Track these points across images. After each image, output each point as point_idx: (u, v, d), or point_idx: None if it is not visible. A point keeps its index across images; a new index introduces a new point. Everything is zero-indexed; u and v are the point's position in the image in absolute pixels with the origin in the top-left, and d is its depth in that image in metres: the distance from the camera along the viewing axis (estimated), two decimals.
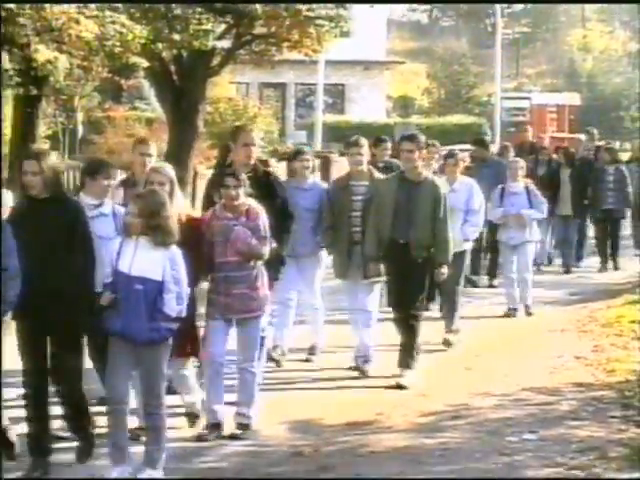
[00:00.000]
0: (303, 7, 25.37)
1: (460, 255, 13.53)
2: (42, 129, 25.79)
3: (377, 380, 11.79)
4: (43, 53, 20.10)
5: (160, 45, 23.41)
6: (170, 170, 9.67)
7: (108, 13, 20.02)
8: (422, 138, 12.13)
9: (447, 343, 13.64)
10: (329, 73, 41.19)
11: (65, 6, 19.28)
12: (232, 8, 23.89)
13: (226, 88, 37.83)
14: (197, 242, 9.37)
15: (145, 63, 24.91)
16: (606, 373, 11.89)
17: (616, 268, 20.77)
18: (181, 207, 9.49)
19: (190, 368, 9.81)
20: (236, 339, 9.72)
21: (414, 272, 11.62)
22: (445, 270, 11.81)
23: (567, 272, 20.49)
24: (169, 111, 28.24)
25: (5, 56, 19.88)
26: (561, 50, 73.66)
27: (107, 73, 28.22)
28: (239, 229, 9.41)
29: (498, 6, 53.30)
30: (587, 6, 75.20)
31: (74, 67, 22.84)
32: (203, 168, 29.07)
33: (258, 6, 23.56)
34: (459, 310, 14.15)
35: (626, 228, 22.48)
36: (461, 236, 13.62)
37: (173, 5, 23.06)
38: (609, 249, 20.93)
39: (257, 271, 9.63)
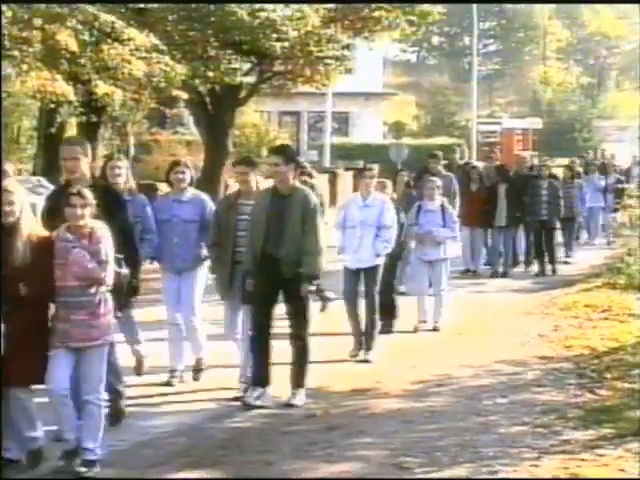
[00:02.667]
0: (314, 49, 25.38)
1: (373, 270, 11.69)
2: (101, 150, 25.79)
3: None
4: (102, 88, 20.12)
5: (197, 81, 23.44)
6: (19, 189, 7.62)
7: (155, 54, 20.03)
8: (292, 151, 10.23)
9: (366, 361, 11.49)
10: (336, 103, 41.19)
11: (119, 49, 19.29)
12: (256, 50, 23.89)
13: (251, 116, 37.82)
14: (47, 263, 7.44)
15: (185, 95, 24.94)
16: (564, 348, 11.86)
17: (554, 271, 19.13)
18: (31, 227, 7.51)
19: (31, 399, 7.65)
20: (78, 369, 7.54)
21: (290, 290, 9.39)
22: (308, 286, 9.46)
23: (494, 276, 18.67)
24: (204, 135, 28.31)
25: (70, 89, 19.87)
26: (526, 83, 73.54)
27: (154, 104, 28.17)
28: (77, 252, 7.34)
29: (474, 47, 53.25)
30: (547, 47, 75.07)
31: (127, 99, 22.90)
32: (232, 181, 29.06)
33: (278, 48, 23.56)
34: (378, 328, 11.89)
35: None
36: (372, 251, 11.66)
37: (208, 48, 23.08)
38: (546, 256, 19.29)
39: (100, 297, 7.48)
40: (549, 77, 72.62)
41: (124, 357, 9.36)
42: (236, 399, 9.56)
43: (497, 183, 18.96)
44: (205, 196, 10.56)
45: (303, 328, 9.59)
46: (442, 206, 14.01)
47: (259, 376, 9.50)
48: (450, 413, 9.12)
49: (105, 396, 7.70)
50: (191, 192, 10.47)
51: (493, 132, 50.25)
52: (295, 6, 22.38)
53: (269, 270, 9.41)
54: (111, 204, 8.29)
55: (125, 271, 8.01)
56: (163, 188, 25.11)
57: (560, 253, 20.71)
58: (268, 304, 9.53)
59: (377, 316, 11.81)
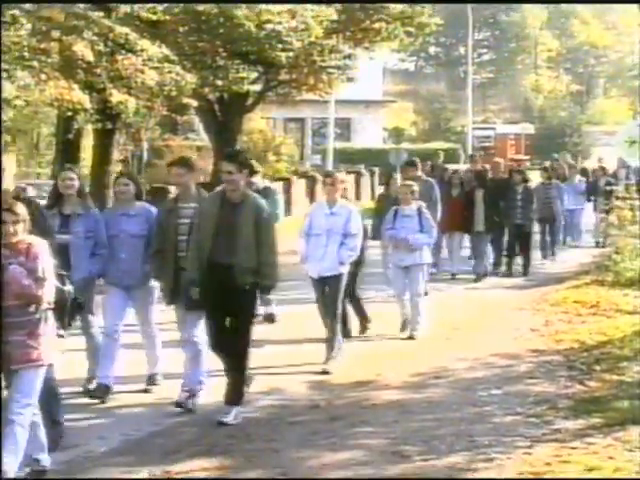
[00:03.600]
0: (318, 59, 25.42)
1: (337, 278, 10.76)
2: (116, 155, 25.83)
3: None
4: (116, 96, 20.16)
5: (206, 89, 23.49)
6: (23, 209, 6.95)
7: (166, 64, 20.07)
8: (245, 157, 9.27)
9: (325, 372, 10.45)
10: (338, 110, 41.12)
11: (133, 59, 19.32)
12: (262, 59, 23.92)
13: (258, 122, 37.81)
14: None
15: (195, 103, 24.96)
16: (555, 342, 11.84)
17: (525, 274, 18.29)
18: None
19: None
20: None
21: (237, 300, 8.51)
22: (269, 296, 8.86)
23: (477, 280, 17.56)
24: (214, 140, 28.38)
25: (87, 97, 19.90)
26: (518, 91, 73.46)
27: (166, 111, 28.22)
28: (14, 269, 6.68)
29: (469, 56, 53.28)
30: (538, 56, 75.05)
31: (140, 107, 22.91)
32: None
33: (283, 58, 23.59)
34: (339, 336, 10.90)
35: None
36: (337, 260, 10.74)
37: (217, 58, 23.11)
38: (522, 259, 18.52)
39: (40, 316, 6.81)
40: (540, 85, 72.56)
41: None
42: (178, 405, 8.91)
43: (474, 188, 17.98)
44: (153, 208, 9.66)
45: (245, 340, 8.65)
46: (419, 210, 12.85)
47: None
48: (447, 404, 9.12)
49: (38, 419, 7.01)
50: (138, 205, 9.66)
51: (487, 137, 50.34)
52: (300, 18, 22.38)
53: (218, 280, 8.52)
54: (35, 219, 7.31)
55: (68, 288, 7.27)
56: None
57: (538, 254, 20.16)
58: (220, 316, 8.68)
59: (338, 325, 10.82)
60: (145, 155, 36.28)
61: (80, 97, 19.70)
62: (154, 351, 9.81)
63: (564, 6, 74.59)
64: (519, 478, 6.76)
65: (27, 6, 17.35)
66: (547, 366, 10.52)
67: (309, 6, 22.55)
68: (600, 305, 14.15)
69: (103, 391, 9.29)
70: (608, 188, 23.17)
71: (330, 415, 8.76)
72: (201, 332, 9.00)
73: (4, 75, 18.70)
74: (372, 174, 37.92)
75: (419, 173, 16.27)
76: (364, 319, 12.63)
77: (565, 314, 13.77)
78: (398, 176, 16.29)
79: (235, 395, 8.70)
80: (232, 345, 8.65)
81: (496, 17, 74.85)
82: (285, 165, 36.74)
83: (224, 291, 8.50)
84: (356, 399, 9.36)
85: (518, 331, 12.65)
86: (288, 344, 11.84)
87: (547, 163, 26.18)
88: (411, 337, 12.44)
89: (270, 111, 37.78)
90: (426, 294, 13.54)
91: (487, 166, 20.32)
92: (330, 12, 23.48)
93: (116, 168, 26.27)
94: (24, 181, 26.51)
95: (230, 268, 8.48)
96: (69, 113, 21.48)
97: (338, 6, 24.02)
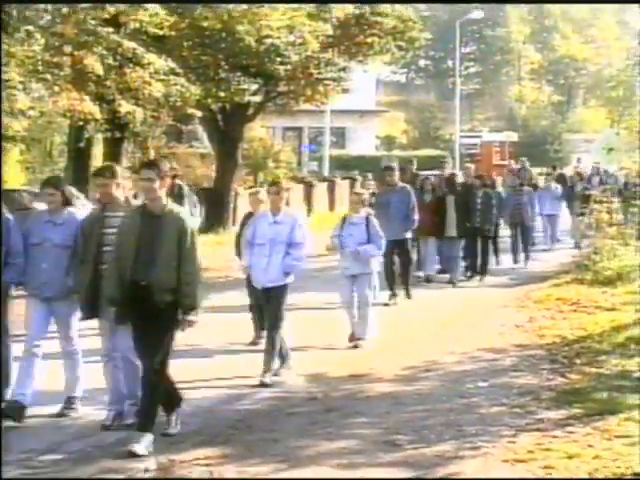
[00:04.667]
0: (314, 72, 25.41)
1: (280, 289, 9.90)
2: (124, 162, 25.79)
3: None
4: (125, 107, 20.13)
5: (210, 100, 23.46)
6: None
7: (172, 77, 20.05)
8: (166, 166, 7.84)
9: (264, 385, 9.57)
10: (333, 119, 41.16)
11: (140, 72, 19.30)
12: (262, 72, 23.92)
13: (258, 131, 37.75)
14: None
15: (199, 113, 24.94)
16: (538, 337, 11.86)
17: (481, 276, 17.61)
18: None
19: None
20: None
21: (157, 320, 7.46)
22: (194, 317, 7.55)
23: (453, 285, 16.85)
24: (216, 148, 28.35)
25: (97, 108, 19.87)
26: (503, 101, 73.48)
27: (171, 121, 28.22)
28: None
29: (457, 69, 53.30)
30: (521, 69, 75.08)
31: (147, 117, 22.87)
32: (241, 189, 29.08)
33: (281, 71, 23.58)
34: (278, 348, 9.91)
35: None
36: (281, 270, 9.87)
37: (219, 70, 23.10)
38: (480, 260, 17.85)
39: None
40: (524, 95, 72.56)
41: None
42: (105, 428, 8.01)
43: (445, 194, 17.34)
44: (81, 217, 8.57)
45: (161, 362, 7.56)
46: (367, 219, 12.01)
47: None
48: (436, 395, 9.12)
49: None
50: (66, 213, 8.54)
51: (474, 145, 50.28)
52: (297, 33, 22.37)
53: (137, 299, 7.51)
54: None
55: None
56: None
57: (503, 258, 19.64)
58: (140, 337, 7.62)
59: (279, 337, 9.88)
60: None
61: (91, 108, 19.67)
62: (74, 372, 8.59)
63: (546, 21, 74.72)
64: (523, 478, 6.72)
65: (41, 22, 17.33)
66: (531, 360, 10.53)
67: (307, 21, 22.53)
68: (580, 302, 14.16)
69: (17, 410, 8.17)
70: (586, 192, 23.09)
71: (326, 406, 8.75)
72: (126, 348, 7.97)
73: (19, 87, 18.68)
74: (365, 179, 37.91)
75: (396, 179, 15.50)
76: None
77: (547, 311, 13.79)
78: (372, 183, 15.71)
79: (148, 417, 7.55)
80: (147, 367, 7.58)
81: (482, 32, 74.84)
82: (284, 171, 36.72)
83: (143, 311, 7.50)
84: (351, 391, 9.35)
85: (503, 327, 12.65)
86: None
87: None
88: (357, 346, 11.48)
89: (269, 120, 37.73)
90: (392, 301, 13.34)
91: (457, 171, 20.05)
92: (326, 27, 23.46)
93: (125, 174, 26.26)
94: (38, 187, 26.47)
95: (148, 286, 7.47)
96: (80, 123, 21.43)
97: (334, 22, 24.00)
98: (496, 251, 19.45)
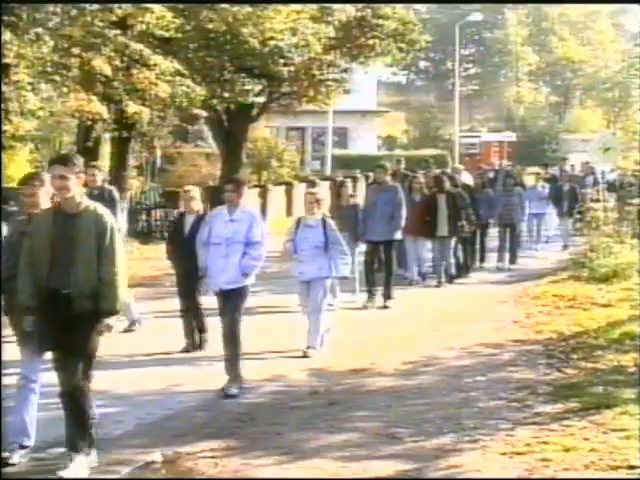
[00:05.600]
0: (317, 73, 25.41)
1: (239, 292, 9.12)
2: (131, 161, 25.82)
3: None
4: (132, 107, 20.14)
5: (215, 101, 23.48)
6: None
7: (178, 78, 20.06)
8: (80, 161, 6.79)
9: (229, 396, 8.86)
10: (336, 119, 41.09)
11: (147, 73, 19.31)
12: (266, 73, 23.92)
13: (262, 131, 37.74)
14: None
15: (204, 113, 24.99)
16: (535, 333, 11.85)
17: (448, 281, 16.46)
18: None
19: None
20: None
21: (76, 330, 6.53)
22: (112, 321, 6.66)
23: (439, 285, 16.15)
24: (221, 148, 28.38)
25: (104, 109, 19.89)
26: (501, 102, 73.35)
27: (177, 121, 28.24)
28: None
29: (456, 70, 53.25)
30: (519, 70, 74.98)
31: (154, 117, 22.89)
32: (246, 188, 29.07)
33: (285, 72, 23.59)
34: (241, 355, 9.20)
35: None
36: (239, 271, 9.08)
37: (224, 72, 23.11)
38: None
39: None
40: (522, 96, 72.43)
41: None
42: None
43: (435, 194, 16.53)
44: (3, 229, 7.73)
45: (84, 377, 6.72)
46: (323, 220, 10.95)
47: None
48: (436, 389, 9.12)
49: None
50: None
51: (473, 144, 50.28)
52: (300, 35, 22.36)
53: (57, 308, 6.57)
54: None
55: None
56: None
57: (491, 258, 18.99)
58: (62, 353, 6.69)
59: (239, 342, 9.15)
60: (158, 161, 36.22)
61: (99, 108, 19.68)
62: None
63: (544, 24, 74.52)
64: (525, 478, 6.70)
65: (50, 24, 17.33)
66: (528, 355, 10.53)
67: (309, 24, 22.53)
68: (577, 299, 14.15)
69: None
70: (577, 192, 22.56)
71: (328, 400, 8.75)
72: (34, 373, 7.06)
73: (28, 88, 18.68)
74: (367, 179, 37.90)
75: (387, 178, 14.78)
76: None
77: (545, 307, 13.78)
78: (349, 184, 14.76)
79: (78, 438, 6.78)
80: (70, 384, 6.71)
81: (481, 34, 74.72)
82: (287, 170, 36.72)
83: (63, 321, 6.56)
84: (352, 385, 9.35)
85: (501, 322, 12.65)
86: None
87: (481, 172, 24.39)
88: (305, 355, 10.57)
89: (273, 121, 37.74)
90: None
91: (447, 170, 19.24)
92: (328, 30, 23.46)
93: (132, 173, 26.32)
94: None
95: (67, 294, 6.56)
96: (89, 123, 21.46)
97: (336, 24, 24.00)
98: (482, 251, 18.98)
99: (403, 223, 14.34)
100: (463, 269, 17.49)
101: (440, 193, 16.56)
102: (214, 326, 9.92)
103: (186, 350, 10.85)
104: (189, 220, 10.96)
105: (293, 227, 11.13)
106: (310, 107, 29.75)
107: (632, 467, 6.61)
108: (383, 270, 14.33)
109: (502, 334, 11.84)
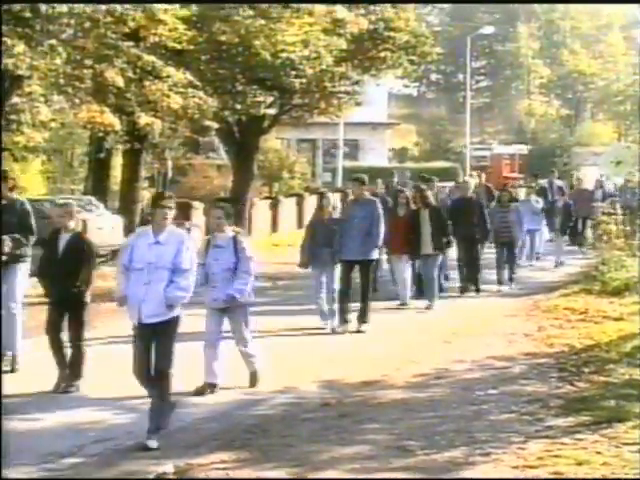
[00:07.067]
0: (328, 85, 25.47)
1: (165, 326, 7.87)
2: (143, 173, 25.89)
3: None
4: (144, 119, 20.22)
5: (226, 112, 23.54)
6: None
7: (190, 90, 20.12)
8: None
9: (147, 448, 7.56)
10: (347, 131, 41.17)
11: (159, 85, 19.38)
12: (277, 85, 23.98)
13: (273, 142, 37.85)
14: None
15: (216, 125, 25.03)
16: (547, 346, 11.82)
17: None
18: None
19: None
20: None
21: None
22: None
23: (428, 308, 15.22)
24: (233, 159, 28.47)
25: (117, 120, 19.97)
26: (512, 115, 73.28)
27: (189, 132, 28.32)
28: None
29: (467, 83, 53.32)
30: (531, 83, 74.99)
31: (166, 128, 22.98)
32: (257, 200, 29.20)
33: (296, 84, 23.64)
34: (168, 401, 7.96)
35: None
36: (164, 302, 7.83)
37: (236, 84, 23.18)
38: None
39: None
40: (533, 109, 72.37)
41: None
42: None
43: (419, 209, 15.51)
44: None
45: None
46: (234, 239, 9.68)
47: None
48: (447, 402, 9.10)
49: None
50: None
51: (484, 157, 50.23)
52: (312, 47, 22.42)
53: None
54: None
55: None
56: (197, 206, 25.23)
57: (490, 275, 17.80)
58: None
59: (167, 385, 7.91)
60: (170, 173, 36.33)
61: (111, 120, 19.77)
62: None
63: (555, 37, 74.55)
64: (524, 479, 6.70)
65: (63, 36, 17.41)
66: (539, 368, 10.50)
67: (321, 36, 22.58)
68: (588, 312, 14.11)
69: None
70: (572, 208, 21.75)
71: (339, 412, 8.74)
72: None
73: (41, 99, 18.78)
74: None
75: (365, 191, 13.71)
76: None
77: (556, 320, 13.74)
78: (332, 196, 13.89)
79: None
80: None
81: (492, 47, 74.76)
82: (298, 182, 36.80)
83: None
84: (363, 398, 9.34)
85: (513, 336, 12.62)
86: None
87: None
88: (252, 384, 9.79)
89: (284, 132, 37.83)
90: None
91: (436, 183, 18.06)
92: (340, 42, 23.51)
93: (143, 185, 26.39)
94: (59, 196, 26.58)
95: None
96: (101, 134, 21.58)
97: (348, 36, 24.06)
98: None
99: (380, 241, 13.34)
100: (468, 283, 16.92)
101: (424, 208, 15.53)
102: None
103: (56, 387, 9.52)
104: (64, 239, 9.76)
105: (202, 248, 9.63)
106: (321, 119, 29.82)
107: None
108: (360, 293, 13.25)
109: (513, 347, 11.82)
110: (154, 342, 7.87)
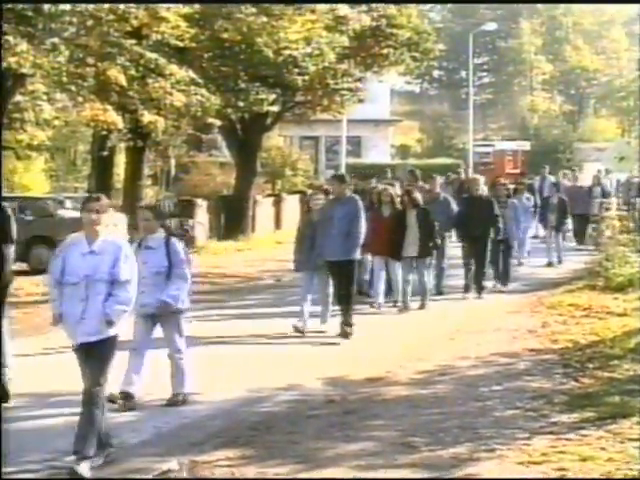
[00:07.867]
0: (331, 82, 25.48)
1: (103, 345, 7.03)
2: (146, 170, 25.92)
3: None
4: (147, 117, 20.26)
5: (229, 110, 23.57)
6: None
7: (192, 87, 20.14)
8: None
9: (75, 473, 6.72)
10: (350, 128, 41.10)
11: (162, 82, 19.40)
12: (280, 83, 23.99)
13: (276, 140, 37.85)
14: None
15: (219, 122, 25.06)
16: (551, 342, 11.81)
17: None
18: None
19: None
20: None
21: None
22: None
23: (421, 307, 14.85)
24: (235, 157, 28.49)
25: (120, 118, 19.99)
26: (515, 111, 73.26)
27: (192, 130, 28.36)
28: None
29: (470, 79, 53.26)
30: (533, 79, 74.92)
31: (169, 126, 23.01)
32: (260, 197, 29.20)
33: (299, 81, 23.65)
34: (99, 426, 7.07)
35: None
36: (102, 318, 6.99)
37: (239, 81, 23.19)
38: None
39: None
40: (536, 105, 72.36)
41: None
42: None
43: (405, 209, 14.77)
44: None
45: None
46: (166, 240, 8.98)
47: None
48: (452, 399, 9.09)
49: None
50: None
51: (487, 153, 50.23)
52: (314, 44, 22.43)
53: None
54: None
55: None
56: (200, 203, 25.25)
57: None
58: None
59: (98, 410, 7.07)
60: (173, 170, 36.38)
61: (114, 118, 19.80)
62: None
63: (558, 33, 74.49)
64: (537, 478, 6.68)
65: (66, 34, 17.43)
66: (544, 364, 10.49)
67: (324, 33, 22.60)
68: (592, 308, 14.10)
69: None
70: (567, 205, 21.53)
71: (344, 409, 8.74)
72: None
73: (44, 98, 18.80)
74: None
75: (346, 189, 12.94)
76: None
77: (560, 316, 13.73)
78: (320, 196, 13.25)
79: None
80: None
81: (495, 43, 74.76)
82: (301, 179, 36.80)
83: None
84: (368, 394, 9.34)
85: (517, 332, 12.61)
86: None
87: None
88: (175, 403, 8.95)
89: (287, 130, 37.84)
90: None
91: (421, 183, 17.40)
92: (342, 39, 23.53)
93: (147, 183, 26.42)
94: (62, 194, 26.62)
95: None
96: (104, 132, 21.60)
97: (350, 33, 24.07)
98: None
99: (361, 240, 12.64)
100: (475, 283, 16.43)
101: (411, 208, 14.79)
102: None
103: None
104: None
105: (134, 249, 8.30)
106: (324, 116, 29.81)
107: None
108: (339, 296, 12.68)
109: (518, 343, 11.81)
110: (87, 361, 7.02)
